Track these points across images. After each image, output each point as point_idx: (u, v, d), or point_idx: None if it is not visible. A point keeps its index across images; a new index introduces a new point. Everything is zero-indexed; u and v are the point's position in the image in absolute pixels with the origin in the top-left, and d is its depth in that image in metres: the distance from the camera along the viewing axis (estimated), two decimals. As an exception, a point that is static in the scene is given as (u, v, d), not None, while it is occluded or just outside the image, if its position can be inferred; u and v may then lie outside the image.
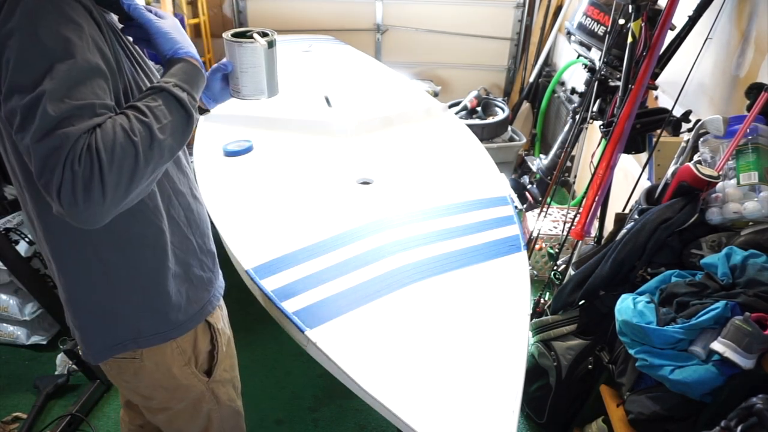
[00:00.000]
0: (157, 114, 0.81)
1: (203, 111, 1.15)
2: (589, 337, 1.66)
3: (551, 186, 2.37)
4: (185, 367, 1.12)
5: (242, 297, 1.63)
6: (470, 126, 2.24)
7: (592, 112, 2.17)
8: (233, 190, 1.63)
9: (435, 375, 1.05)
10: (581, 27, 2.41)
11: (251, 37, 1.09)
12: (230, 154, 1.79)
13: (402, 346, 1.12)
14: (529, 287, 1.31)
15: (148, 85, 0.95)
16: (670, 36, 1.77)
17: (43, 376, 2.06)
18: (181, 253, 1.07)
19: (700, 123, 1.60)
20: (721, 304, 1.18)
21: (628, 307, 1.32)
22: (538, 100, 3.72)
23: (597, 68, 2.12)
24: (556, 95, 3.54)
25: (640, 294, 1.37)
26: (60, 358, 2.11)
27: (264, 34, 1.10)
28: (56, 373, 2.09)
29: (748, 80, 1.64)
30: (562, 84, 3.51)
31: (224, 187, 1.64)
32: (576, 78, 3.28)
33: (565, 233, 2.05)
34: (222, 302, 1.24)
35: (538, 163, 3.30)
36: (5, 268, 1.92)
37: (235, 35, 1.09)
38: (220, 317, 1.21)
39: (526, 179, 3.32)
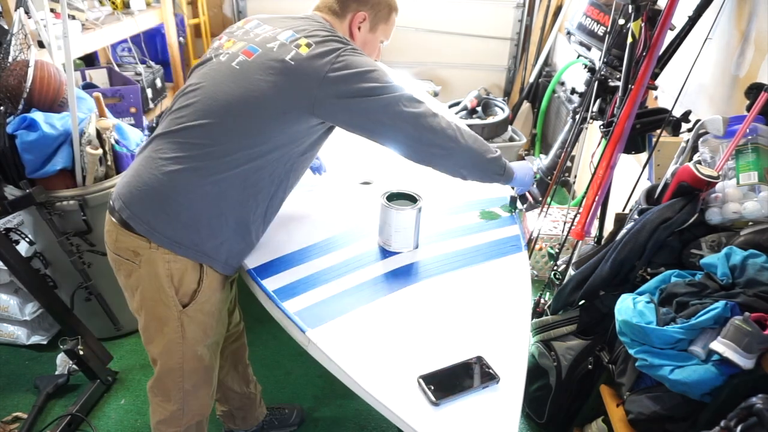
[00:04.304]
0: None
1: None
2: (589, 337, 1.66)
3: (551, 186, 2.37)
4: (169, 288, 1.25)
5: (242, 297, 1.63)
6: (470, 126, 2.24)
7: (592, 112, 2.17)
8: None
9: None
10: (581, 27, 2.41)
11: (401, 197, 1.40)
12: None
13: (402, 345, 1.12)
14: (529, 287, 1.31)
15: None
16: (670, 36, 1.77)
17: (43, 376, 2.06)
18: (266, 216, 1.31)
19: (700, 123, 1.60)
20: (720, 304, 1.18)
21: (628, 307, 1.32)
22: (538, 100, 3.72)
23: (597, 68, 2.12)
24: (556, 95, 3.54)
25: (640, 294, 1.37)
26: (60, 358, 2.11)
27: (414, 199, 1.40)
28: (56, 373, 2.10)
29: (748, 80, 1.64)
30: (562, 84, 3.52)
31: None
32: (576, 78, 3.29)
33: (565, 233, 2.05)
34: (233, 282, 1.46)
35: (538, 163, 3.30)
36: (5, 268, 1.92)
37: (389, 198, 1.38)
38: (221, 281, 1.33)
39: (526, 179, 3.31)
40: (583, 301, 1.68)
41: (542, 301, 2.06)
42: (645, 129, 1.83)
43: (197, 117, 1.20)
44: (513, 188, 1.59)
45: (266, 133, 1.20)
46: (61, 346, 1.92)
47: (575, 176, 3.06)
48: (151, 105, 3.20)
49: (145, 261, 1.23)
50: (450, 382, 1.02)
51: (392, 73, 1.28)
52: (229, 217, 1.24)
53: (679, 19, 1.72)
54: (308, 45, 1.20)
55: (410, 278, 1.31)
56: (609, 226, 1.93)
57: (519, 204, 1.61)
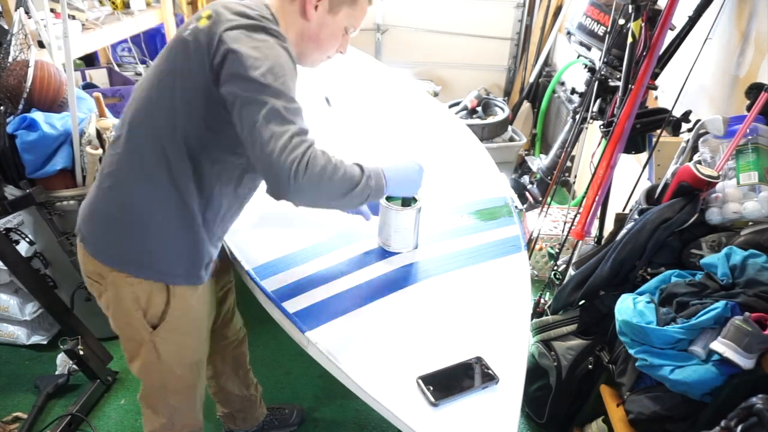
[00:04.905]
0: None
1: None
2: (589, 337, 1.66)
3: (551, 186, 2.37)
4: (136, 312, 1.21)
5: (242, 297, 1.63)
6: (470, 126, 2.24)
7: (592, 112, 2.17)
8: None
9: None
10: (581, 27, 2.41)
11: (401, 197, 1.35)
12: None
13: (402, 346, 1.12)
14: (529, 287, 1.31)
15: None
16: (670, 36, 1.77)
17: (43, 376, 2.06)
18: (219, 230, 1.24)
19: (700, 123, 1.60)
20: (720, 304, 1.18)
21: (628, 307, 1.32)
22: (538, 100, 3.72)
23: (597, 68, 2.12)
24: (556, 95, 3.54)
25: (640, 294, 1.37)
26: (60, 357, 2.11)
27: (413, 199, 1.36)
28: (56, 373, 2.10)
29: (748, 80, 1.64)
30: (562, 84, 3.51)
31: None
32: (576, 78, 3.29)
33: (565, 233, 2.05)
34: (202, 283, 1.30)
35: (538, 163, 3.30)
36: (5, 268, 1.92)
37: (388, 198, 1.34)
38: (197, 298, 1.27)
39: (526, 179, 3.32)
40: (583, 301, 1.68)
41: (542, 301, 2.06)
42: (645, 129, 1.83)
43: (122, 125, 1.16)
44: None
45: (193, 141, 1.09)
46: (61, 346, 1.92)
47: (575, 176, 3.06)
48: (151, 105, 3.20)
49: (110, 284, 1.20)
50: (449, 382, 1.02)
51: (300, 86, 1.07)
52: (172, 224, 1.15)
53: (679, 19, 1.72)
54: (208, 17, 1.05)
55: (410, 278, 1.31)
56: (609, 226, 1.93)
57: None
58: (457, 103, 3.57)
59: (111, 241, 1.18)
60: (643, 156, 1.90)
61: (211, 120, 1.08)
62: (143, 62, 3.33)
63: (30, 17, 2.04)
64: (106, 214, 1.17)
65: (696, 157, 1.57)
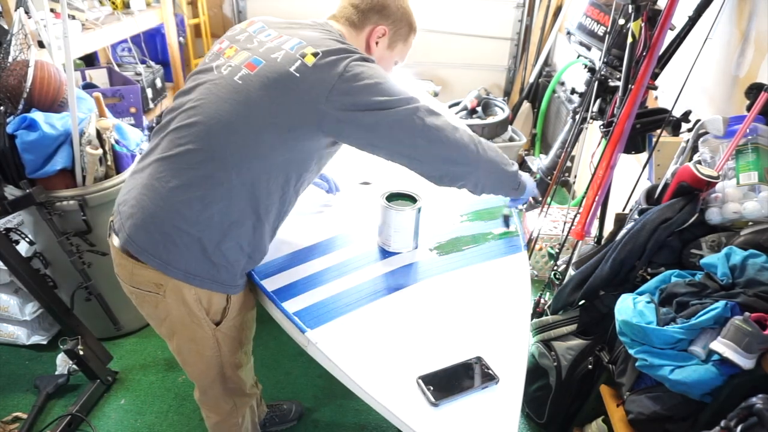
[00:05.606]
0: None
1: None
2: (589, 337, 1.66)
3: (551, 186, 2.37)
4: (199, 311, 1.24)
5: (242, 297, 1.63)
6: (470, 126, 2.24)
7: (592, 112, 2.17)
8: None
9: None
10: (581, 27, 2.41)
11: (400, 197, 1.40)
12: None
13: (402, 346, 1.12)
14: (529, 287, 1.31)
15: None
16: (670, 36, 1.77)
17: (43, 376, 2.06)
18: (274, 231, 1.29)
19: (700, 123, 1.60)
20: (720, 304, 1.18)
21: (628, 307, 1.32)
22: (538, 100, 3.72)
23: (597, 68, 2.12)
24: (556, 95, 3.54)
25: (640, 294, 1.37)
26: (60, 357, 2.11)
27: (413, 199, 1.39)
28: (56, 373, 2.10)
29: (748, 80, 1.64)
30: (562, 84, 3.52)
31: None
32: (576, 78, 3.28)
33: (565, 233, 2.04)
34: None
35: (538, 163, 3.30)
36: (5, 268, 1.92)
37: (389, 199, 1.38)
38: (245, 293, 1.32)
39: (526, 179, 3.31)
40: (583, 301, 1.68)
41: (542, 301, 2.06)
42: (645, 129, 1.83)
43: (199, 140, 1.13)
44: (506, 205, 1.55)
45: (273, 154, 1.13)
46: (61, 346, 1.92)
47: (575, 176, 3.06)
48: (151, 105, 3.21)
49: (170, 290, 1.19)
50: (449, 382, 1.02)
51: (407, 82, 1.26)
52: (242, 242, 1.19)
53: (679, 19, 1.72)
54: (315, 54, 1.11)
55: (410, 278, 1.31)
56: (609, 226, 1.93)
57: (510, 221, 1.57)
58: (457, 103, 3.57)
59: (177, 254, 1.15)
60: (643, 156, 1.90)
61: (300, 144, 1.15)
62: (143, 62, 3.33)
63: (30, 17, 2.04)
64: (176, 228, 1.14)
65: (696, 157, 1.57)
